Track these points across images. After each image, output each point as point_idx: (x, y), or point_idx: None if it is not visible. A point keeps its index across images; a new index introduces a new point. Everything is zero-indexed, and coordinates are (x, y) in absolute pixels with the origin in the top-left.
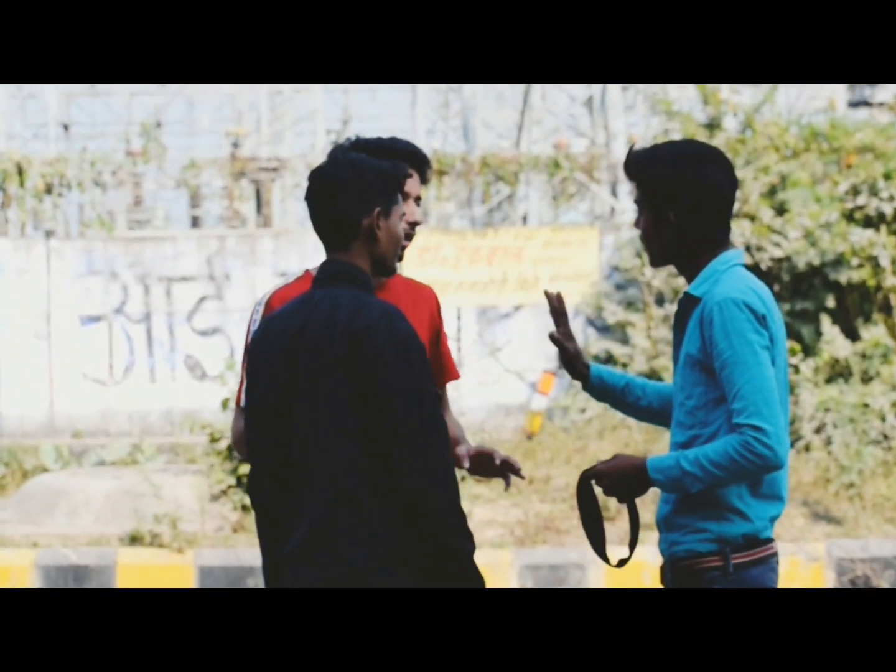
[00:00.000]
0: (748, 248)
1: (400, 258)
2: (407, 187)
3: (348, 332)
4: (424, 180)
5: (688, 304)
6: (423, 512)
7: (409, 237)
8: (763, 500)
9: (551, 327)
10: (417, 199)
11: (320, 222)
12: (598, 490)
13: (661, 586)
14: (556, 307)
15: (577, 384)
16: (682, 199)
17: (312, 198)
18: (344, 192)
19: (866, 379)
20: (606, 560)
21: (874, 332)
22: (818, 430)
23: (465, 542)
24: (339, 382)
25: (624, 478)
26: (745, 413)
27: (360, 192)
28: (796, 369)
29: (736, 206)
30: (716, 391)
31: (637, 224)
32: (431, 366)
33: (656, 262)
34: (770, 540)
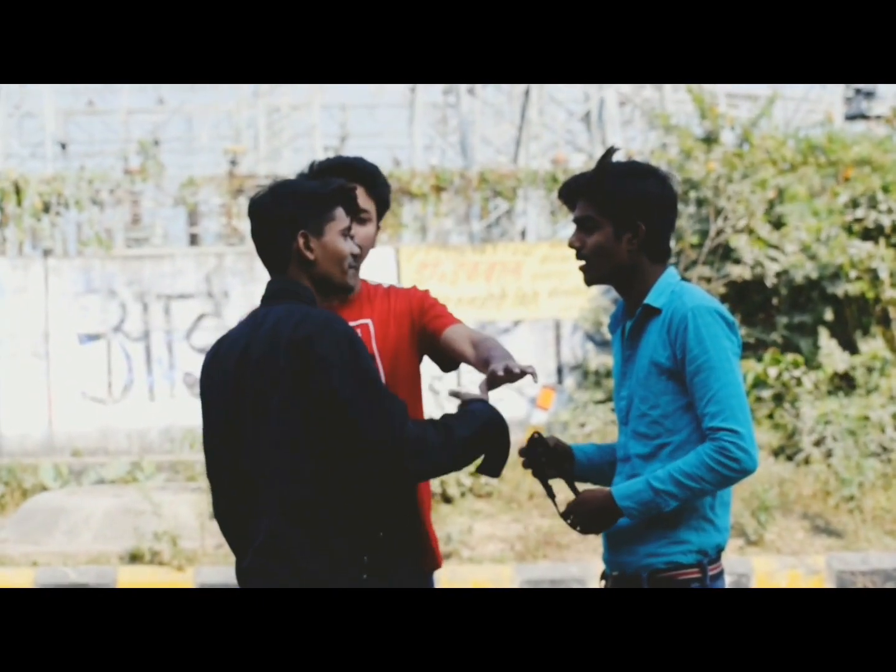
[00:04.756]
0: (743, 262)
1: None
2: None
3: (292, 343)
4: (374, 194)
5: (644, 316)
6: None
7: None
8: (725, 510)
9: (550, 342)
10: (362, 213)
11: (257, 250)
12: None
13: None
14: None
15: (577, 398)
16: (655, 212)
17: (251, 228)
18: (266, 221)
19: (866, 392)
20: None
21: (872, 345)
22: (818, 443)
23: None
24: (288, 395)
25: (591, 515)
26: (720, 416)
27: (281, 219)
28: (798, 381)
29: (742, 223)
30: (683, 398)
31: (578, 242)
32: (421, 338)
33: (599, 280)
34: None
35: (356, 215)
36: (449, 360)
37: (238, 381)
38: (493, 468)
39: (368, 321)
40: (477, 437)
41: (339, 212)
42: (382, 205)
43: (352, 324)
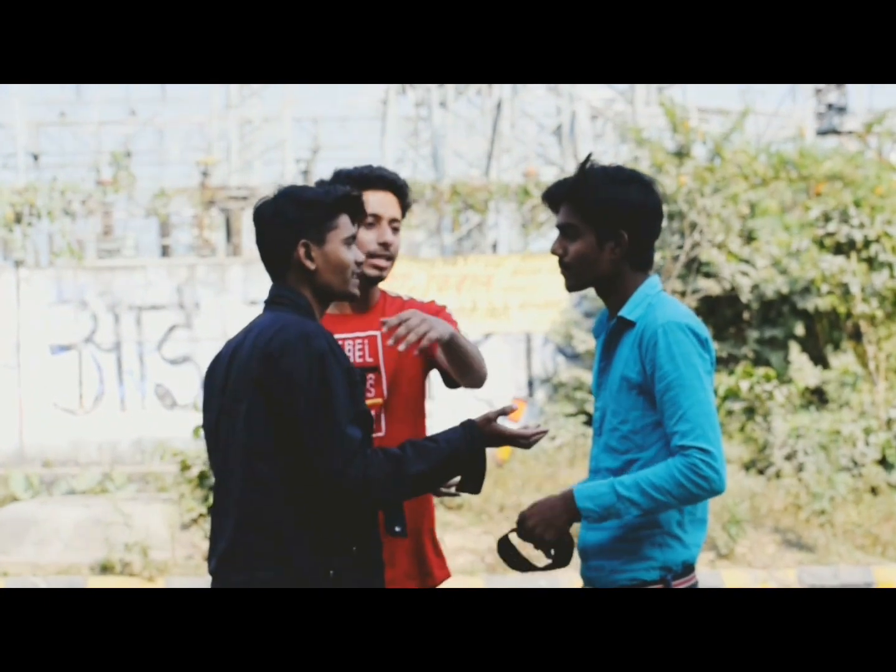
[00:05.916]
0: (716, 277)
1: (377, 279)
2: (378, 209)
3: (265, 353)
4: (404, 205)
5: (619, 328)
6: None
7: (383, 257)
8: (697, 526)
9: (521, 355)
10: (392, 222)
11: (260, 256)
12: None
13: None
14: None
15: (547, 411)
16: (638, 220)
17: (255, 235)
18: (268, 230)
19: (837, 406)
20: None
21: (843, 360)
22: (789, 457)
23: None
24: (256, 403)
25: (550, 512)
26: (691, 435)
27: (282, 228)
28: (770, 395)
29: (719, 238)
30: (654, 414)
31: (561, 249)
32: (426, 352)
33: (580, 287)
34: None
35: (363, 222)
36: (445, 374)
37: (224, 384)
38: (470, 487)
39: (377, 333)
40: (434, 471)
41: (343, 220)
42: (404, 215)
43: (360, 335)
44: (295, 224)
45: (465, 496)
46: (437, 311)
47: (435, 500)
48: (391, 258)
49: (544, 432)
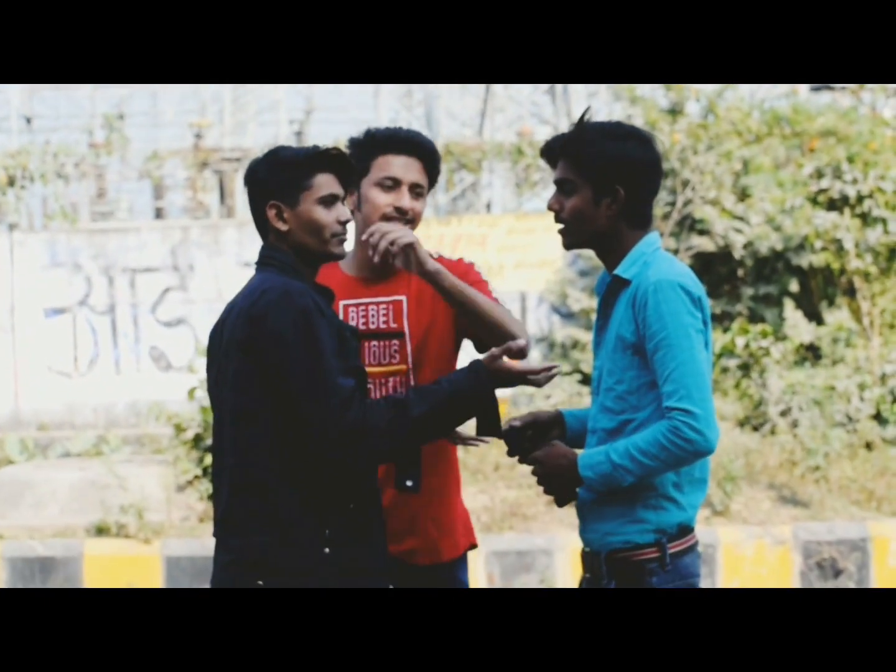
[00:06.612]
0: (709, 234)
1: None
2: (398, 173)
3: (249, 315)
4: (430, 171)
5: (616, 286)
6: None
7: (399, 222)
8: (695, 487)
9: (515, 314)
10: (414, 188)
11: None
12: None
13: (581, 574)
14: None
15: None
16: (635, 176)
17: None
18: (248, 192)
19: (832, 362)
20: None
21: (838, 316)
22: (784, 413)
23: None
24: (243, 365)
25: (558, 471)
26: (675, 396)
27: (256, 191)
28: (766, 352)
29: (711, 194)
30: (648, 374)
31: (557, 205)
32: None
33: (578, 244)
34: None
35: (350, 180)
36: (476, 339)
37: (218, 345)
38: (488, 429)
39: (403, 297)
40: (438, 412)
41: (321, 179)
42: (432, 184)
43: (384, 299)
44: (264, 185)
45: (459, 456)
46: (466, 268)
47: None
48: (408, 223)
49: (555, 366)
